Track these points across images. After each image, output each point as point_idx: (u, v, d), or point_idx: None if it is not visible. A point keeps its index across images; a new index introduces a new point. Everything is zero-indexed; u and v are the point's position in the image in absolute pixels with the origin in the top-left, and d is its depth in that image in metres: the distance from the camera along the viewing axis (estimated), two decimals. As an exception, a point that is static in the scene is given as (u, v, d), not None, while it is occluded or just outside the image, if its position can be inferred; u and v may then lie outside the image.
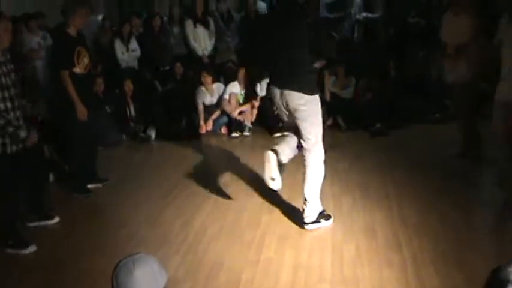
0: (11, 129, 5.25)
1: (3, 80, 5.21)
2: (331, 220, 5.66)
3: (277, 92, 5.44)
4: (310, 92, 5.32)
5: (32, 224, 6.01)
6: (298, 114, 5.35)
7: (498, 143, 6.28)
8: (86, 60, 6.80)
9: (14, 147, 5.37)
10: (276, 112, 6.23)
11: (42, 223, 6.07)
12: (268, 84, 5.87)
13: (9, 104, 5.24)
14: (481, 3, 7.25)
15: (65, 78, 6.65)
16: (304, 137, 5.42)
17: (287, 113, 5.47)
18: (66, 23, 6.84)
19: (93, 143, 7.23)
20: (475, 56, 6.75)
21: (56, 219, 6.14)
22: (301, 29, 5.29)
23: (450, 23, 6.94)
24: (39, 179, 6.16)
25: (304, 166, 5.50)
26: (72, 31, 6.76)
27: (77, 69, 6.71)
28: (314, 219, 5.58)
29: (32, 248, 5.53)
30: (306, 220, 5.58)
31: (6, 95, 5.24)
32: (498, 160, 6.46)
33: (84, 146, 6.97)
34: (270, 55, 5.53)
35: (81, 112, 6.71)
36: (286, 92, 5.33)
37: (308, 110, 5.33)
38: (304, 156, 5.49)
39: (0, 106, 5.17)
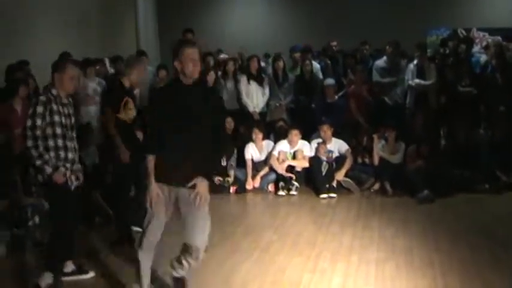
0: (69, 165, 5.54)
1: (64, 120, 5.51)
2: None
3: None
4: None
5: (66, 279, 5.82)
6: None
7: None
8: (131, 112, 6.89)
9: (73, 185, 5.61)
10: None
11: (76, 277, 5.91)
12: None
13: (68, 143, 5.54)
14: None
15: (108, 116, 6.80)
16: None
17: None
18: (123, 73, 7.08)
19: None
20: None
21: (91, 274, 5.97)
22: None
23: None
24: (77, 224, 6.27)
25: None
26: (125, 82, 6.94)
27: (121, 116, 6.82)
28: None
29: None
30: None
31: (66, 134, 5.53)
32: None
33: (127, 190, 7.07)
34: None
35: (124, 153, 6.77)
36: None
37: None
38: None
39: (59, 143, 5.47)
